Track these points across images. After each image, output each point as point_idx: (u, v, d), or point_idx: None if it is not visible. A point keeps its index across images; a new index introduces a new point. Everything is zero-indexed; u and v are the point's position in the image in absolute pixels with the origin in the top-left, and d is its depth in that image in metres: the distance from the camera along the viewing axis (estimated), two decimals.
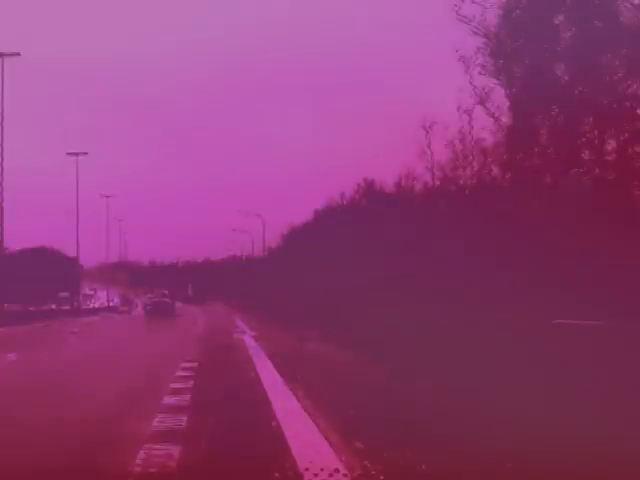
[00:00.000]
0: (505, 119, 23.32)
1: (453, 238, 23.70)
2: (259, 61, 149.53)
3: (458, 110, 25.66)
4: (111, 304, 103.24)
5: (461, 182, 28.29)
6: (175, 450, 9.36)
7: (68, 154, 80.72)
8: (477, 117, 25.16)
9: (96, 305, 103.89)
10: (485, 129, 24.89)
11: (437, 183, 29.93)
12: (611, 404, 10.66)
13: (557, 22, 21.74)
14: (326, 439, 9.92)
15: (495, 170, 25.79)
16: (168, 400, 13.92)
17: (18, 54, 58.48)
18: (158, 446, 9.61)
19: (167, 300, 73.25)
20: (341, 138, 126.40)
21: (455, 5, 22.76)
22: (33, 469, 8.66)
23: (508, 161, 23.42)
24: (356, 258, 31.81)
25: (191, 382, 16.75)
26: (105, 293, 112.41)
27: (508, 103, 22.99)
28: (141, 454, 9.17)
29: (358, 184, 41.72)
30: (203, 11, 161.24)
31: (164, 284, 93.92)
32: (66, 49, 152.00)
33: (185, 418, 11.87)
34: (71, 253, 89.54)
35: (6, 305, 62.87)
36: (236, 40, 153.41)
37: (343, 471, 8.01)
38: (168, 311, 68.57)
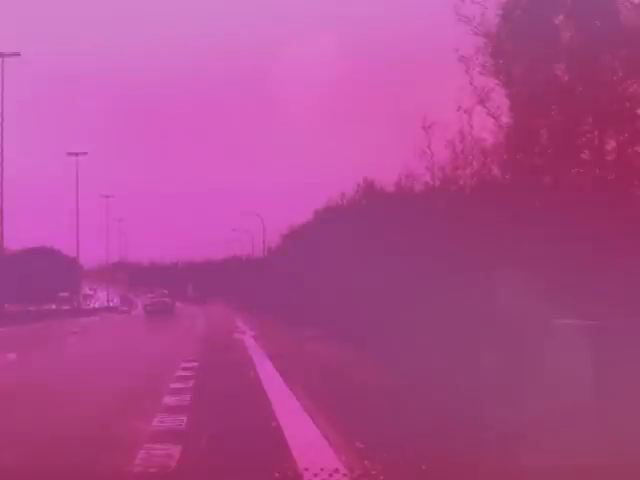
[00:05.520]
0: (505, 119, 23.31)
1: (453, 238, 23.70)
2: (258, 60, 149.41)
3: (458, 110, 25.61)
4: (111, 304, 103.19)
5: (461, 182, 28.27)
6: (175, 450, 9.37)
7: (68, 154, 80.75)
8: (477, 117, 25.11)
9: (96, 305, 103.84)
10: (485, 129, 24.85)
11: (437, 183, 29.90)
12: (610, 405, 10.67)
13: (557, 22, 21.73)
14: (326, 439, 9.93)
15: (495, 170, 25.77)
16: (168, 400, 13.92)
17: (18, 54, 58.51)
18: (158, 446, 9.61)
19: (167, 300, 73.28)
20: (341, 138, 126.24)
21: (455, 5, 22.73)
22: (33, 469, 8.67)
23: (508, 161, 23.40)
24: (356, 258, 31.81)
25: (191, 382, 16.75)
26: (105, 293, 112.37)
27: (508, 103, 22.98)
28: (141, 454, 9.18)
29: (358, 184, 41.67)
30: (203, 12, 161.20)
31: (164, 284, 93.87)
32: (66, 49, 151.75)
33: (185, 418, 11.87)
34: (71, 253, 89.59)
35: (6, 305, 62.85)
36: (235, 40, 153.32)
37: (343, 471, 8.02)
38: (168, 311, 68.60)
